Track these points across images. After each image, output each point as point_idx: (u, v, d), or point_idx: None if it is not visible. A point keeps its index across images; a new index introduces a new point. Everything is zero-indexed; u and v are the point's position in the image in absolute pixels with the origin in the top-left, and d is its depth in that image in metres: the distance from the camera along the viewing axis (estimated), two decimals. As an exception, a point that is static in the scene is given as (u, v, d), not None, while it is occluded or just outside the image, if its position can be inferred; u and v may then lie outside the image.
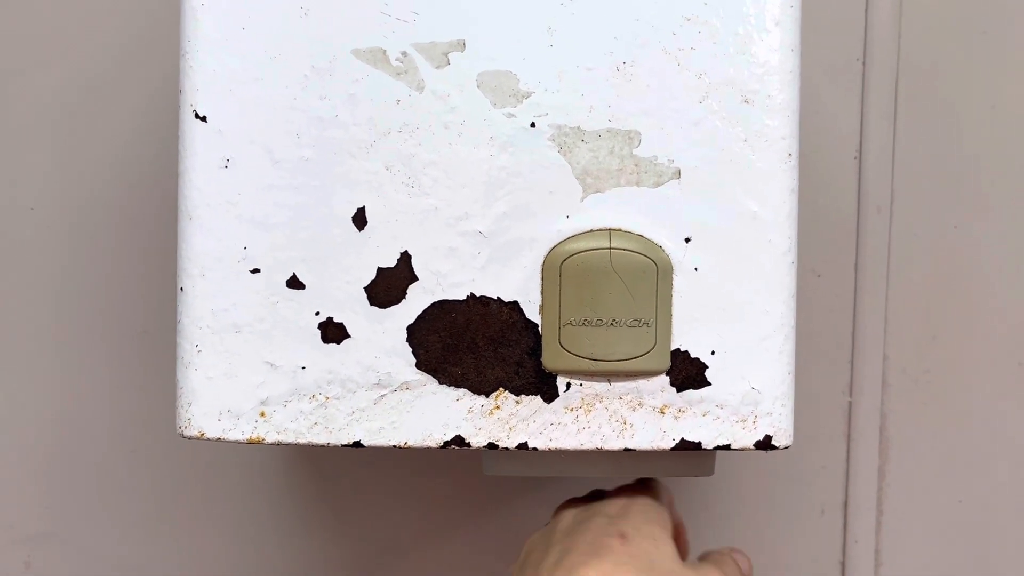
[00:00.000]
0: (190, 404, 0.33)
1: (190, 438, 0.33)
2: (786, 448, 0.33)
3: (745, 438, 0.33)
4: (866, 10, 0.46)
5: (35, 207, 0.47)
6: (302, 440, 0.33)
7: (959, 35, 0.46)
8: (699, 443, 0.33)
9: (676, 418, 0.32)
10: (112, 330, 0.48)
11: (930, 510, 0.48)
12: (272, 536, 0.49)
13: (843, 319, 0.48)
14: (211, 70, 0.33)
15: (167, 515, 0.49)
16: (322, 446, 0.33)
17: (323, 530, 0.49)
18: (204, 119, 0.33)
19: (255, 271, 0.33)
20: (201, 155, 0.33)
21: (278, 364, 0.33)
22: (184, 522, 0.49)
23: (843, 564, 0.49)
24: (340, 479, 0.49)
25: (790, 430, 0.33)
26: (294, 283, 0.33)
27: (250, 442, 0.33)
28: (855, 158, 0.47)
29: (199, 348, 0.33)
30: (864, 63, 0.46)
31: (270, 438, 0.33)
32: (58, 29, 0.47)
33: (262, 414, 0.33)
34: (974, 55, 0.46)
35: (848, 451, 0.48)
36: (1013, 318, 0.47)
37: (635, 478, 0.36)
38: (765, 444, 0.33)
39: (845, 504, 0.49)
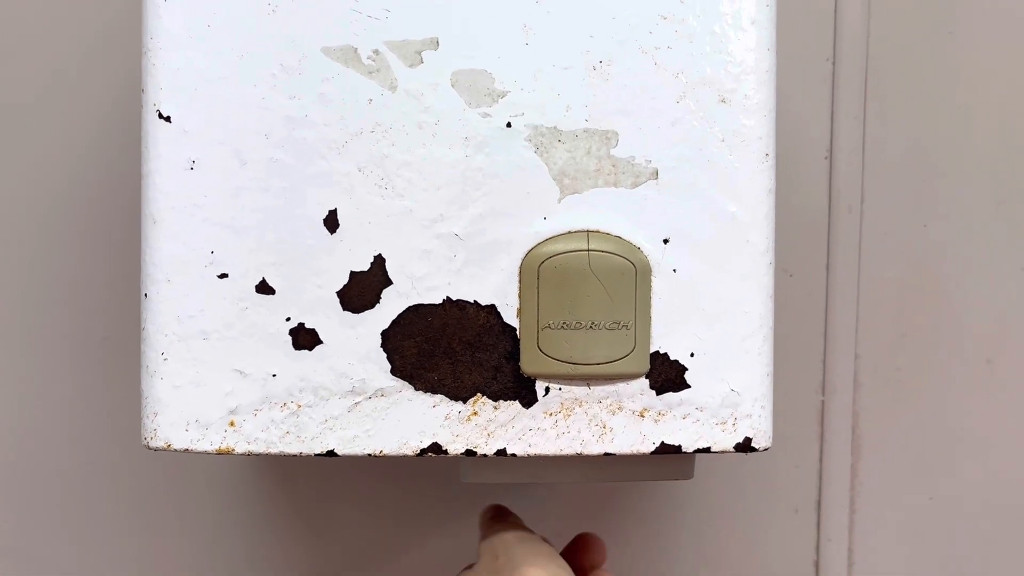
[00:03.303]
0: (156, 414, 0.32)
1: (156, 449, 0.32)
2: (765, 450, 0.33)
3: (725, 441, 0.32)
4: (835, 10, 0.46)
5: (-11, 210, 0.46)
6: (273, 450, 0.32)
7: (927, 35, 0.46)
8: (679, 446, 0.32)
9: (656, 421, 0.32)
10: (73, 336, 0.46)
11: (902, 508, 0.49)
12: (241, 546, 0.48)
13: (815, 319, 0.48)
14: (175, 68, 0.32)
15: (130, 527, 0.47)
16: (294, 456, 0.32)
17: (294, 539, 0.48)
18: (168, 119, 0.32)
19: (223, 276, 0.32)
20: (165, 156, 0.32)
21: (248, 372, 0.32)
22: (149, 535, 0.47)
23: (817, 563, 0.49)
24: (311, 486, 0.47)
25: (769, 432, 0.33)
26: (264, 288, 0.32)
27: (219, 453, 0.32)
28: (825, 158, 0.47)
29: (165, 356, 0.32)
30: (834, 63, 0.46)
31: (240, 448, 0.32)
32: (14, 24, 0.45)
33: (231, 424, 0.32)
34: (942, 55, 0.46)
35: (821, 450, 0.48)
36: (982, 316, 0.48)
37: (614, 481, 0.35)
38: (745, 446, 0.32)
39: (819, 503, 0.49)
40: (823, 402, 0.48)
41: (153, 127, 0.32)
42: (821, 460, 0.48)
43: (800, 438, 0.48)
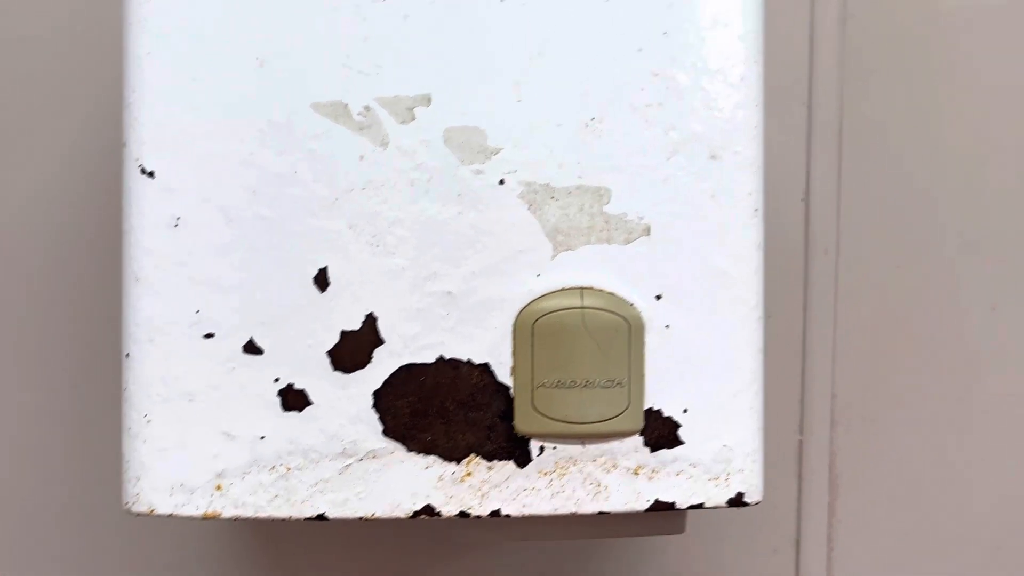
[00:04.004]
0: (138, 478, 0.31)
1: (138, 514, 0.31)
2: (757, 504, 0.33)
3: (718, 496, 0.32)
4: (810, 56, 0.47)
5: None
6: (262, 514, 0.31)
7: (901, 81, 0.47)
8: (673, 503, 0.32)
9: (650, 479, 0.32)
10: (47, 394, 0.45)
11: (880, 545, 0.49)
12: (214, 598, 0.46)
13: (793, 359, 0.48)
14: (159, 123, 0.31)
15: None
16: (283, 520, 0.31)
17: (268, 589, 0.47)
18: (152, 175, 0.31)
19: (209, 336, 0.31)
20: (149, 213, 0.31)
21: (235, 434, 0.31)
22: (118, 588, 0.46)
23: (796, 602, 0.49)
24: (297, 544, 0.47)
25: (760, 485, 0.33)
26: (251, 348, 0.31)
27: (205, 518, 0.31)
28: (802, 200, 0.47)
29: (148, 418, 0.31)
30: (809, 107, 0.47)
31: (227, 513, 0.31)
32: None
33: (218, 487, 0.31)
34: (916, 101, 0.47)
35: (799, 489, 0.49)
36: (955, 356, 0.48)
37: (606, 537, 0.35)
38: (737, 501, 0.32)
39: (797, 542, 0.49)
40: (801, 442, 0.48)
41: (136, 183, 0.31)
42: (799, 499, 0.49)
43: (779, 478, 0.48)
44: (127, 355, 0.31)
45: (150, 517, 0.31)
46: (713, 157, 0.32)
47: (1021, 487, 0.50)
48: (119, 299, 0.40)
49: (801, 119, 0.47)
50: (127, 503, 0.31)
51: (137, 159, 0.31)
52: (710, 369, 0.32)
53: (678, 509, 0.32)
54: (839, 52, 0.47)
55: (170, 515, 0.31)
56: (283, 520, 0.31)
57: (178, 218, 0.31)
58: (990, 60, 0.47)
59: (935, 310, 0.48)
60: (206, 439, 0.31)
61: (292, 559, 0.47)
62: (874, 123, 0.47)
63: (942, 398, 0.49)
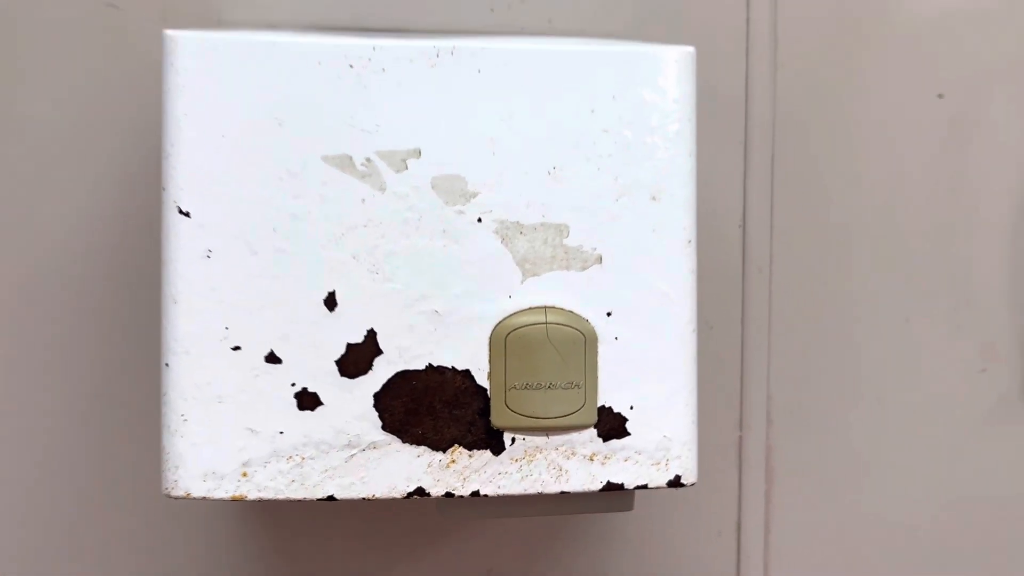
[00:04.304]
0: (177, 467, 0.37)
1: (176, 498, 0.37)
2: (692, 485, 0.40)
3: (659, 478, 0.39)
4: (746, 104, 0.54)
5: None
6: (281, 496, 0.37)
7: (827, 123, 0.54)
8: (622, 484, 0.39)
9: (603, 464, 0.39)
10: (70, 363, 0.51)
11: (811, 528, 0.56)
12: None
13: (733, 364, 0.55)
14: (193, 171, 0.37)
15: (132, 568, 0.52)
16: (298, 501, 0.37)
17: (271, 571, 0.53)
18: (187, 214, 0.37)
19: (236, 348, 0.37)
20: (185, 247, 0.37)
21: (258, 430, 0.37)
22: (149, 566, 0.52)
23: (738, 578, 0.56)
24: (302, 523, 0.53)
25: (695, 470, 0.40)
26: (272, 358, 0.37)
27: (233, 499, 0.37)
28: (739, 226, 0.54)
29: (184, 418, 0.37)
30: (745, 148, 0.54)
31: (252, 495, 0.37)
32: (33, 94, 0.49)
33: (244, 474, 0.37)
34: (839, 139, 0.54)
35: (740, 480, 0.55)
36: (873, 360, 0.56)
37: (567, 514, 0.42)
38: (675, 483, 0.39)
39: (738, 526, 0.56)
40: (740, 437, 0.55)
41: (174, 221, 0.37)
42: (740, 488, 0.56)
43: (721, 469, 0.55)
44: (166, 365, 0.37)
45: (186, 499, 0.37)
46: (653, 199, 0.39)
47: (929, 474, 0.57)
48: (142, 317, 0.47)
49: (739, 158, 0.54)
50: (167, 489, 0.37)
51: (175, 201, 0.37)
52: (652, 373, 0.39)
53: (626, 489, 0.39)
54: (771, 101, 0.54)
55: (203, 498, 0.37)
56: (298, 501, 0.37)
57: (210, 250, 0.37)
58: (897, 111, 0.55)
59: (855, 321, 0.55)
60: (234, 434, 0.37)
61: (293, 543, 0.53)
62: (801, 161, 0.54)
63: (862, 398, 0.56)
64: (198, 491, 0.37)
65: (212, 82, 0.37)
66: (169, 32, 0.37)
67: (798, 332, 0.55)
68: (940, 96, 0.55)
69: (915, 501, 0.57)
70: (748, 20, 0.53)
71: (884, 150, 0.55)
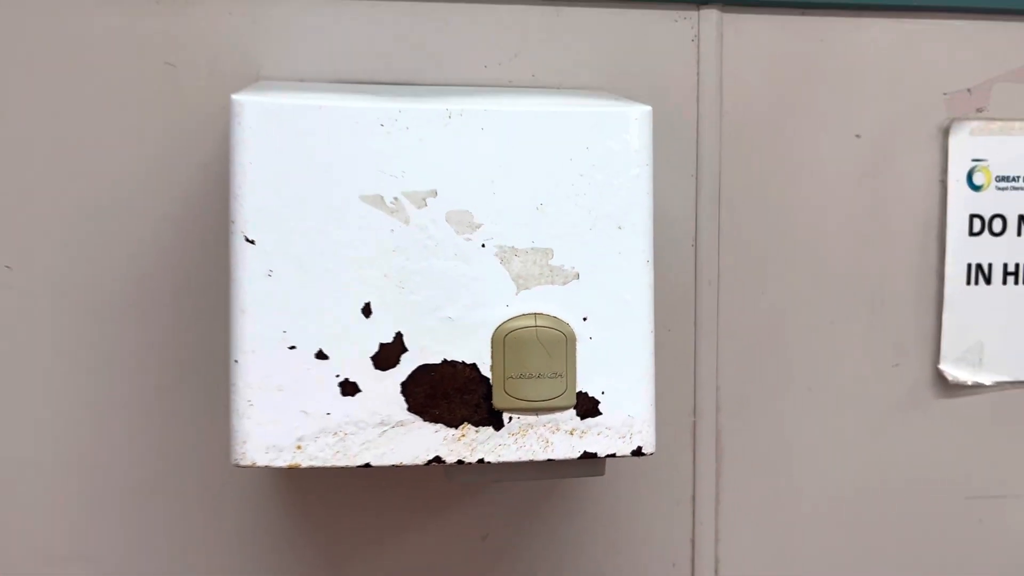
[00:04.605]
0: (244, 443, 0.47)
1: (243, 467, 0.47)
2: (651, 455, 0.50)
3: (625, 448, 0.49)
4: (697, 143, 0.64)
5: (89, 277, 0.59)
6: (327, 464, 0.47)
7: (764, 159, 0.65)
8: (595, 453, 0.49)
9: (580, 437, 0.49)
10: (143, 362, 0.60)
11: (754, 499, 0.67)
12: (269, 542, 0.62)
13: (687, 361, 0.65)
14: (257, 208, 0.47)
15: (184, 532, 0.61)
16: (341, 468, 0.47)
17: (305, 533, 0.62)
18: (252, 242, 0.47)
19: (292, 347, 0.47)
20: (250, 267, 0.47)
21: (309, 412, 0.47)
22: (194, 536, 0.61)
23: (692, 541, 0.66)
24: (320, 494, 0.62)
25: (653, 442, 0.50)
26: (321, 355, 0.47)
27: (289, 467, 0.47)
28: (692, 245, 0.65)
29: (251, 403, 0.47)
30: (696, 179, 0.64)
31: (304, 464, 0.47)
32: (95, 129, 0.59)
33: (298, 447, 0.47)
34: (775, 173, 0.65)
35: (694, 457, 0.66)
36: (804, 357, 0.66)
37: (552, 478, 0.52)
38: (637, 452, 0.50)
39: (693, 497, 0.66)
40: (694, 422, 0.66)
41: (241, 247, 0.47)
42: (694, 465, 0.66)
43: (678, 449, 0.66)
44: (235, 361, 0.47)
45: (251, 468, 0.47)
46: (619, 228, 0.49)
47: (850, 453, 0.68)
48: (196, 324, 0.57)
49: (691, 189, 0.64)
50: (236, 459, 0.47)
51: (243, 231, 0.47)
52: (619, 365, 0.49)
53: (599, 457, 0.49)
54: (718, 141, 0.64)
55: (265, 466, 0.47)
56: (341, 468, 0.47)
57: (270, 270, 0.47)
58: (822, 149, 0.66)
59: (789, 324, 0.66)
60: (290, 415, 0.47)
61: (320, 512, 0.63)
62: (743, 191, 0.65)
63: (795, 389, 0.66)
64: (262, 461, 0.47)
65: (271, 137, 0.47)
66: (236, 97, 0.47)
67: (742, 334, 0.66)
68: (857, 136, 0.66)
69: (839, 476, 0.68)
70: (698, 74, 0.64)
71: (812, 181, 0.66)
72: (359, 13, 0.60)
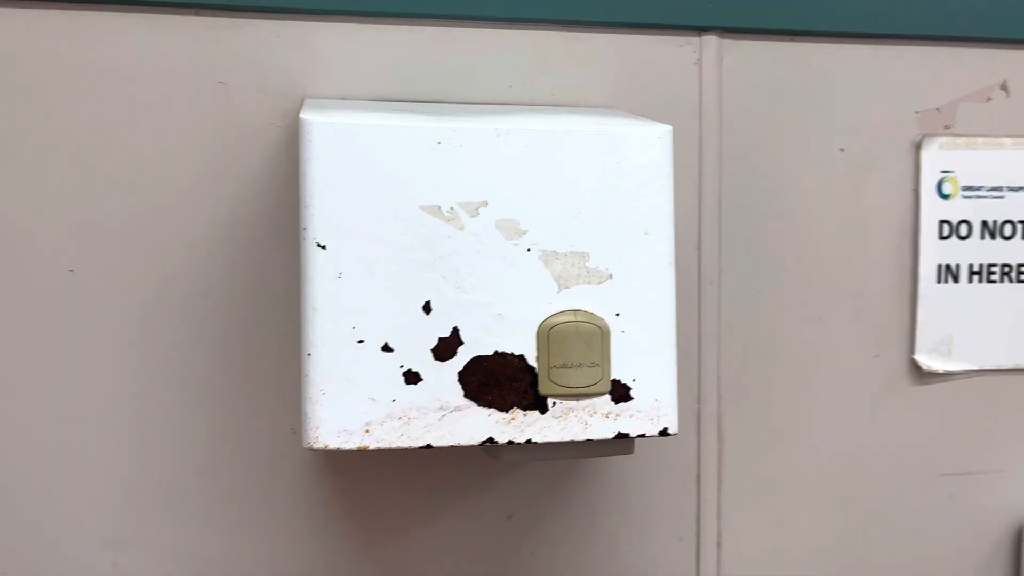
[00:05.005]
0: (317, 428, 0.52)
1: (316, 449, 0.52)
2: (675, 435, 0.56)
3: (653, 429, 0.56)
4: (699, 154, 0.71)
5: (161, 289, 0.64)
6: (393, 446, 0.52)
7: (760, 170, 0.72)
8: (628, 434, 0.55)
9: (615, 420, 0.55)
10: (197, 357, 0.65)
11: (752, 478, 0.74)
12: (310, 528, 0.67)
13: (692, 353, 0.72)
14: (327, 216, 0.52)
15: (236, 515, 0.66)
16: (405, 449, 0.53)
17: (344, 516, 0.67)
18: (324, 247, 0.52)
19: (360, 342, 0.52)
20: (321, 270, 0.52)
21: (377, 399, 0.52)
22: (245, 519, 0.66)
23: (697, 517, 0.73)
24: (357, 480, 0.68)
25: (677, 424, 0.56)
26: (386, 348, 0.53)
27: (359, 449, 0.52)
28: (696, 249, 0.72)
29: (323, 392, 0.52)
30: (699, 187, 0.71)
31: (372, 446, 0.52)
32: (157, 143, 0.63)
33: (367, 431, 0.52)
34: (769, 183, 0.72)
35: (699, 441, 0.72)
36: (795, 349, 0.73)
37: (589, 456, 0.58)
38: (664, 432, 0.56)
39: (698, 477, 0.73)
40: (699, 408, 0.72)
41: (313, 252, 0.52)
42: (699, 447, 0.73)
43: (684, 433, 0.72)
44: (308, 355, 0.52)
45: (324, 451, 0.52)
46: (646, 233, 0.55)
47: (837, 435, 0.75)
48: (256, 321, 0.62)
49: (695, 197, 0.71)
50: (309, 443, 0.52)
51: (315, 238, 0.52)
52: (647, 355, 0.55)
53: (631, 437, 0.55)
54: (718, 154, 0.71)
55: (336, 449, 0.52)
56: (405, 449, 0.53)
57: (341, 272, 0.52)
58: (810, 160, 0.73)
59: (783, 320, 0.73)
60: (359, 402, 0.52)
61: (362, 493, 0.68)
62: (741, 199, 0.72)
63: (788, 378, 0.73)
64: (333, 444, 0.52)
65: (339, 153, 0.52)
66: (306, 117, 0.52)
67: (740, 329, 0.73)
68: (841, 150, 0.73)
69: (827, 456, 0.75)
70: (700, 94, 0.71)
71: (801, 191, 0.73)
72: (395, 37, 0.66)
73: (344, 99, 0.65)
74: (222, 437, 0.65)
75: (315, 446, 0.52)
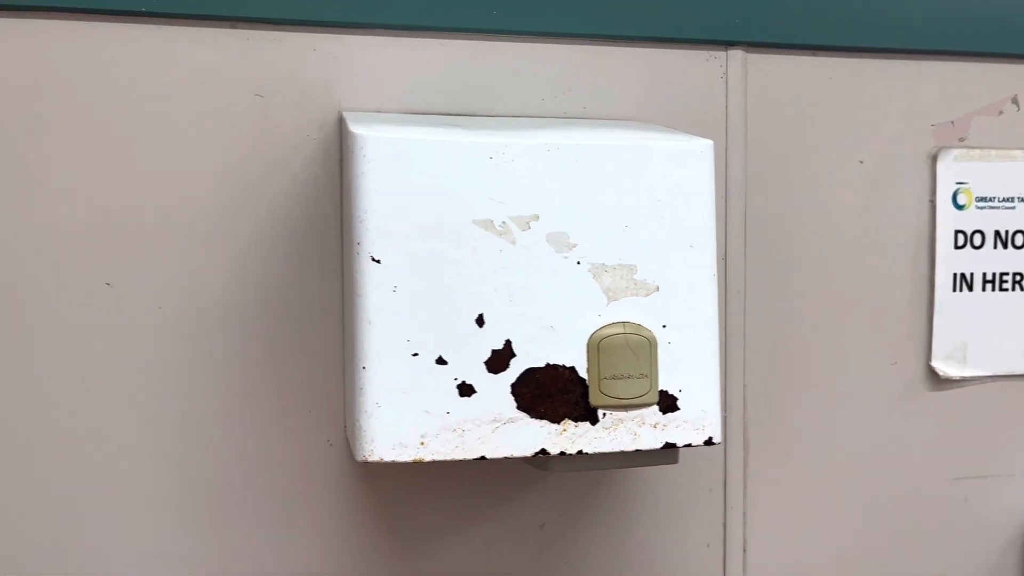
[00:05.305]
0: (372, 440, 0.52)
1: (372, 462, 0.52)
2: (719, 444, 0.57)
3: (698, 439, 0.57)
4: (726, 167, 0.72)
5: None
6: (448, 457, 0.53)
7: (783, 183, 0.73)
8: (675, 443, 0.56)
9: (663, 430, 0.56)
10: (234, 370, 0.64)
11: (776, 482, 0.75)
12: (351, 537, 0.67)
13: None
14: (381, 231, 0.52)
15: (270, 528, 0.66)
16: (459, 460, 0.53)
17: (381, 528, 0.68)
18: (378, 261, 0.52)
19: (415, 355, 0.53)
20: (376, 284, 0.52)
21: (431, 411, 0.53)
22: (280, 532, 0.66)
23: (724, 523, 0.74)
24: (394, 493, 0.68)
25: (720, 433, 0.57)
26: (440, 361, 0.53)
27: (414, 462, 0.53)
28: (722, 260, 0.73)
29: (378, 404, 0.52)
30: (725, 199, 0.72)
31: (427, 458, 0.53)
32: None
33: (422, 443, 0.53)
34: (792, 194, 0.74)
35: (725, 449, 0.74)
36: (817, 358, 0.75)
37: (636, 466, 0.58)
38: (709, 442, 0.57)
39: (724, 483, 0.74)
40: (724, 417, 0.74)
41: (367, 266, 0.53)
42: (725, 455, 0.74)
43: (712, 441, 0.73)
44: (363, 368, 0.52)
45: (379, 463, 0.52)
46: (691, 246, 0.56)
47: (856, 440, 0.76)
48: (293, 332, 0.62)
49: (720, 209, 0.72)
50: (364, 456, 0.52)
51: (369, 252, 0.52)
52: (692, 366, 0.56)
53: (678, 447, 0.56)
54: (743, 167, 0.73)
55: (392, 461, 0.52)
56: (458, 461, 0.53)
57: (395, 286, 0.53)
58: (832, 173, 0.74)
59: (805, 328, 0.75)
60: (414, 415, 0.53)
61: (401, 503, 0.68)
62: (765, 211, 0.73)
63: (811, 385, 0.75)
64: (388, 456, 0.53)
65: (392, 168, 0.53)
66: (359, 133, 0.53)
67: (765, 338, 0.74)
68: (861, 162, 0.75)
69: (849, 461, 0.77)
70: (727, 107, 0.72)
71: (823, 202, 0.75)
72: (429, 51, 0.67)
73: (378, 112, 0.66)
74: (258, 450, 0.65)
75: (370, 459, 0.52)
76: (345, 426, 0.65)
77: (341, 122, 0.63)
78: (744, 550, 0.75)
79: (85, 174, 0.62)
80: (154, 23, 0.62)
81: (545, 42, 0.69)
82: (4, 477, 0.62)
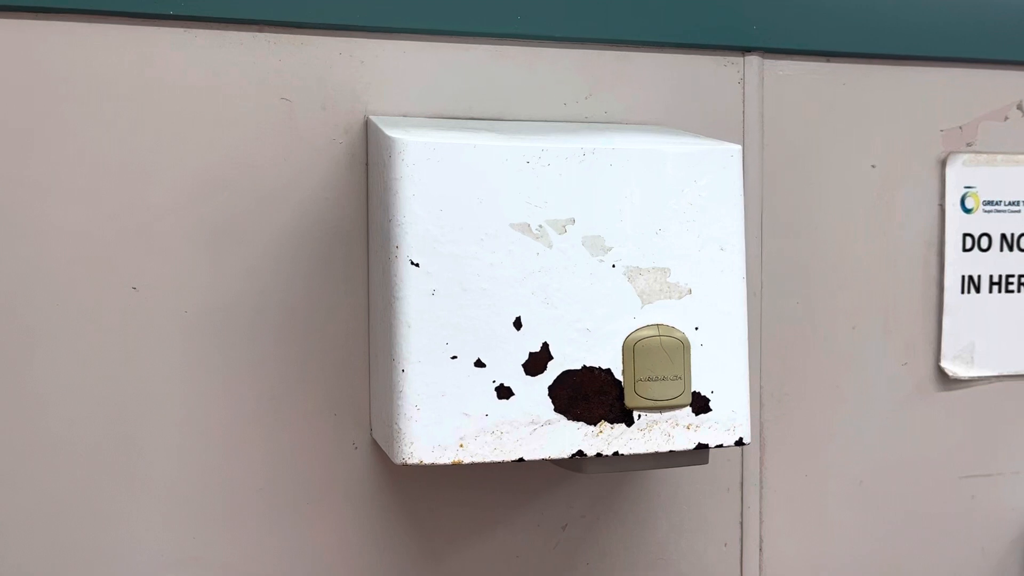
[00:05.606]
0: (412, 443, 0.53)
1: (411, 465, 0.53)
2: (748, 444, 0.58)
3: (729, 439, 0.57)
4: (744, 171, 0.73)
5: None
6: (487, 459, 0.53)
7: (798, 185, 0.75)
8: (707, 444, 0.57)
9: (695, 431, 0.57)
10: (260, 373, 0.64)
11: (792, 481, 0.76)
12: (372, 536, 0.67)
13: (735, 364, 0.74)
14: (420, 235, 0.53)
15: (295, 531, 0.66)
16: (498, 463, 0.53)
17: (407, 529, 0.68)
18: (417, 265, 0.53)
19: (454, 357, 0.53)
20: (415, 287, 0.53)
21: (470, 414, 0.53)
22: (304, 535, 0.66)
23: (741, 523, 0.75)
24: (420, 494, 0.68)
25: (750, 434, 0.58)
26: (479, 363, 0.53)
27: (453, 464, 0.53)
28: (739, 262, 0.74)
29: (417, 407, 0.53)
30: (744, 203, 0.73)
31: (466, 460, 0.53)
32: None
33: (461, 445, 0.53)
34: (807, 197, 0.75)
35: (742, 449, 0.75)
36: (831, 358, 0.76)
37: (668, 467, 0.59)
38: (739, 442, 0.58)
39: (741, 483, 0.75)
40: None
41: (406, 270, 0.53)
42: (742, 455, 0.75)
43: (729, 442, 0.74)
44: (402, 371, 0.53)
45: (419, 466, 0.53)
46: (722, 249, 0.57)
47: (869, 439, 0.78)
48: (319, 334, 0.62)
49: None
50: (403, 459, 0.53)
51: (408, 256, 0.53)
52: (723, 368, 0.57)
53: (710, 448, 0.57)
54: (760, 171, 0.74)
55: (431, 464, 0.53)
56: (497, 463, 0.53)
57: (434, 290, 0.53)
58: (844, 176, 0.76)
59: (820, 329, 0.76)
60: (453, 418, 0.53)
61: (430, 506, 0.68)
62: (781, 214, 0.74)
63: (825, 385, 0.76)
64: (428, 459, 0.53)
65: (430, 172, 0.53)
66: (397, 137, 0.53)
67: (781, 339, 0.75)
68: (873, 166, 0.77)
69: (861, 460, 0.78)
70: (744, 111, 0.73)
71: (836, 204, 0.76)
72: (454, 56, 0.67)
73: (404, 116, 0.66)
74: (283, 453, 0.65)
75: (409, 461, 0.53)
76: (371, 429, 0.65)
77: (368, 126, 0.64)
78: (760, 549, 0.76)
79: (111, 178, 0.62)
80: (182, 27, 0.62)
81: (567, 47, 0.69)
82: (32, 481, 0.61)
